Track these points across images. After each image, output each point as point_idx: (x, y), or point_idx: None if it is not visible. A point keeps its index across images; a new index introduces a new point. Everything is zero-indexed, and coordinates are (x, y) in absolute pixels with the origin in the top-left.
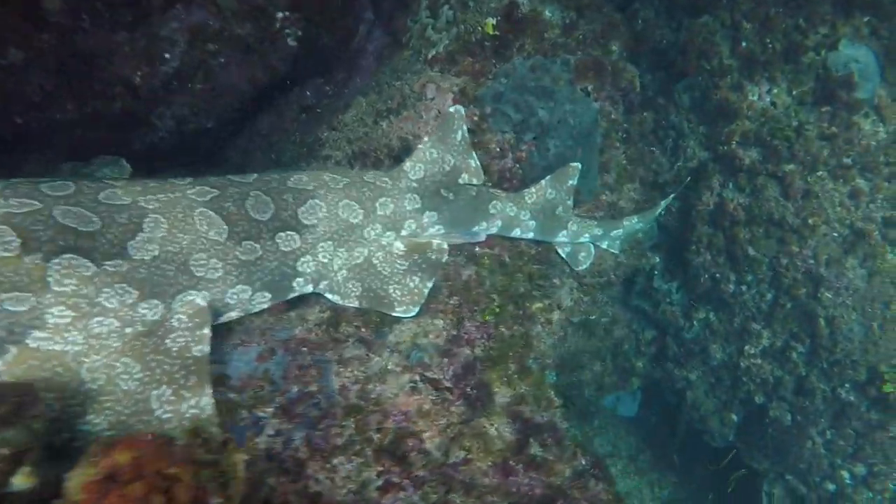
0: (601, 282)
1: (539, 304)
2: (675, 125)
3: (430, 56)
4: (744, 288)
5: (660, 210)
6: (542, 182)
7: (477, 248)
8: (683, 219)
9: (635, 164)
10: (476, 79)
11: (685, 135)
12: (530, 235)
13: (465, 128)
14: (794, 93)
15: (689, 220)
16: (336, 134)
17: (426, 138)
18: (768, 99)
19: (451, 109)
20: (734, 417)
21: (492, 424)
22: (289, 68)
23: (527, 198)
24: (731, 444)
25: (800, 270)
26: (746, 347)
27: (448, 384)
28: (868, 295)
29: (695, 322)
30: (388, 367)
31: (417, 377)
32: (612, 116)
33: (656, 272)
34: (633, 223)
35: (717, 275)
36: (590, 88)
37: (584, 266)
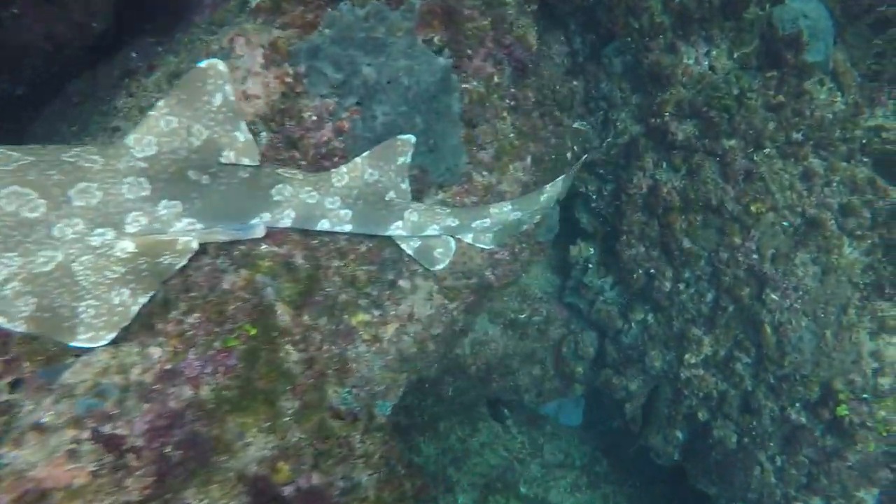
0: (470, 284)
1: (362, 317)
2: (605, 95)
3: (253, 5)
4: (681, 286)
5: (546, 195)
6: (357, 160)
7: (263, 246)
8: (617, 204)
9: (526, 139)
10: (306, 32)
11: (616, 106)
12: (347, 228)
13: (227, 88)
14: (735, 55)
15: (620, 207)
16: (132, 101)
17: (160, 102)
18: (706, 62)
19: (203, 64)
20: (679, 435)
21: (200, 500)
22: (106, 25)
23: (334, 180)
24: (678, 464)
25: (741, 267)
26: (687, 356)
27: (138, 442)
28: (821, 297)
29: (632, 324)
30: (43, 421)
31: (86, 434)
32: (495, 80)
33: (590, 266)
34: (504, 211)
35: (652, 270)
36: (436, 39)
37: (442, 265)
